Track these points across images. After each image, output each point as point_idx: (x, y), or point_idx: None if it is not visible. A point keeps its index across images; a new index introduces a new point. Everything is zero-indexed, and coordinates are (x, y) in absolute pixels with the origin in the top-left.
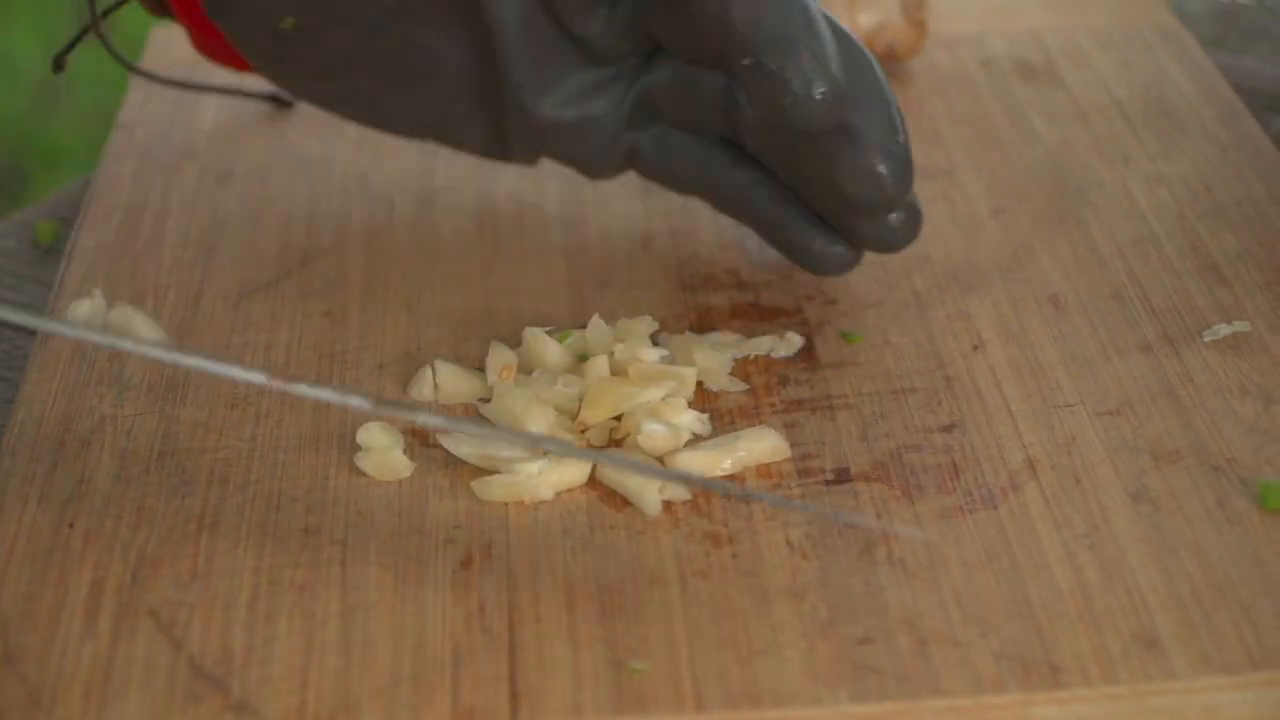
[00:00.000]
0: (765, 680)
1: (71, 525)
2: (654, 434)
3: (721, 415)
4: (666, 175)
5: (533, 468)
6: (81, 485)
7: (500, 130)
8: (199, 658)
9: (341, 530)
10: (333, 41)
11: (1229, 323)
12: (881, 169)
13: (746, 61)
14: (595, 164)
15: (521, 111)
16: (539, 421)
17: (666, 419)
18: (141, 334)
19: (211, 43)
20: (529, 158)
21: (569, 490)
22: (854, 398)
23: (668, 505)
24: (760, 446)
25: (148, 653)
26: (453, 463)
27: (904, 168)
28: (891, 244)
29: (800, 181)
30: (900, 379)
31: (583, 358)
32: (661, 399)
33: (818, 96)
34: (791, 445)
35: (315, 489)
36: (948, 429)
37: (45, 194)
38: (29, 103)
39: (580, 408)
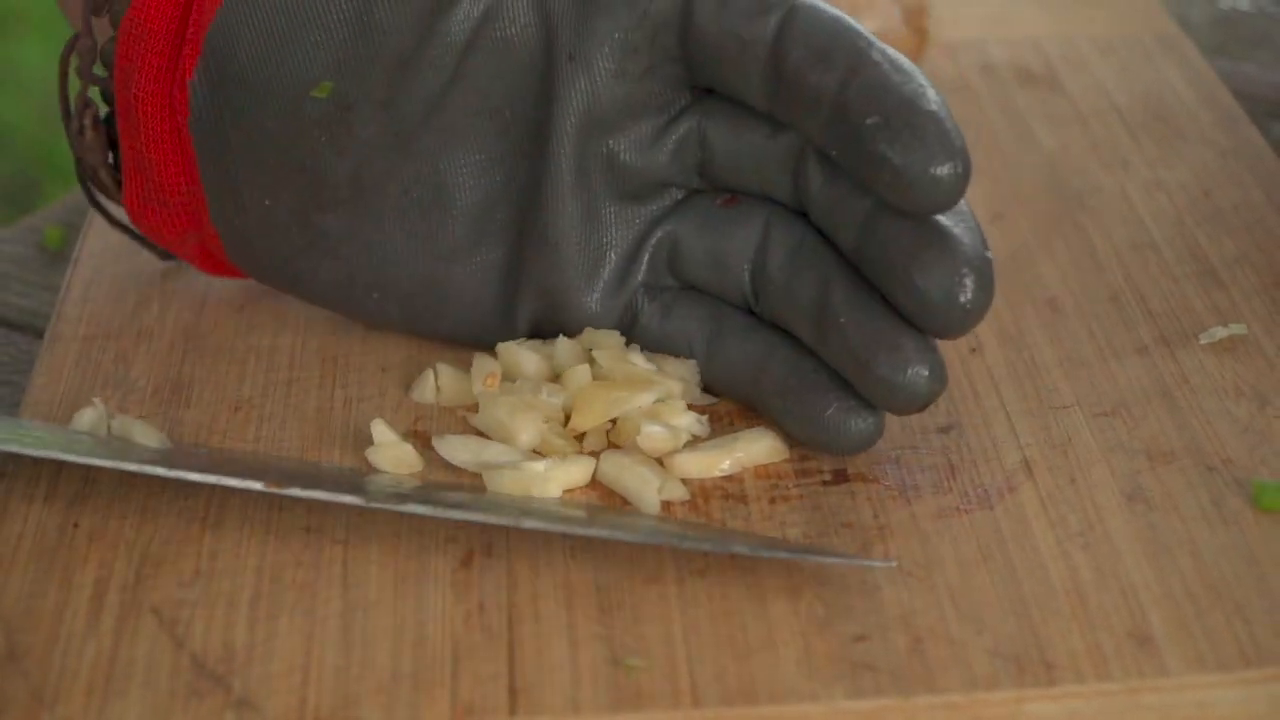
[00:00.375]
0: (761, 676)
1: (76, 525)
2: (653, 435)
3: (720, 417)
4: (662, 347)
5: (539, 467)
6: (86, 486)
7: (509, 274)
8: (201, 655)
9: (343, 530)
10: (360, 138)
11: (1225, 325)
12: (968, 278)
13: (871, 121)
14: (595, 310)
15: (543, 242)
16: (528, 429)
17: (665, 420)
18: (140, 441)
19: (177, 207)
20: (531, 313)
21: (570, 490)
22: None
23: (666, 505)
24: (758, 447)
25: (150, 650)
26: (455, 463)
27: (988, 287)
28: (910, 398)
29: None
30: None
31: None
32: (654, 402)
33: (944, 172)
34: (789, 446)
35: None
36: (945, 430)
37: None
38: (39, 113)
39: (569, 415)
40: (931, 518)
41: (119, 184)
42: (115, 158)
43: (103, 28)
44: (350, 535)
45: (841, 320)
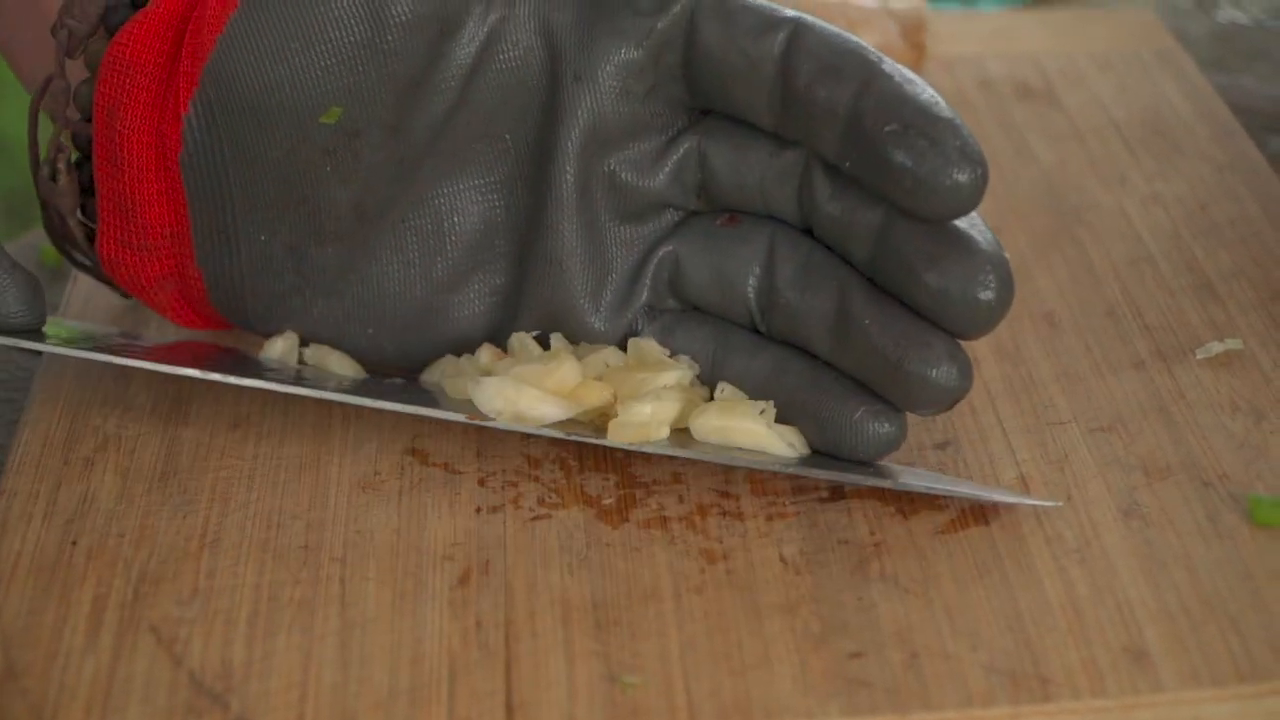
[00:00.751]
0: (757, 693)
1: (74, 543)
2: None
3: None
4: None
5: (645, 410)
6: (84, 504)
7: (508, 300)
8: (199, 673)
9: (341, 548)
10: (366, 164)
11: (1221, 340)
12: (990, 276)
13: (890, 129)
14: (599, 329)
15: (545, 263)
16: (529, 398)
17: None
18: (336, 371)
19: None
20: (536, 316)
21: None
22: None
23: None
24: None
25: (148, 668)
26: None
27: (1009, 284)
28: (941, 395)
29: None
30: None
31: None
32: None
33: (964, 178)
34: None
35: (315, 507)
36: (941, 446)
37: None
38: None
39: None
40: (928, 534)
41: (89, 235)
42: (85, 206)
43: (75, 70)
44: (348, 552)
45: (866, 323)
